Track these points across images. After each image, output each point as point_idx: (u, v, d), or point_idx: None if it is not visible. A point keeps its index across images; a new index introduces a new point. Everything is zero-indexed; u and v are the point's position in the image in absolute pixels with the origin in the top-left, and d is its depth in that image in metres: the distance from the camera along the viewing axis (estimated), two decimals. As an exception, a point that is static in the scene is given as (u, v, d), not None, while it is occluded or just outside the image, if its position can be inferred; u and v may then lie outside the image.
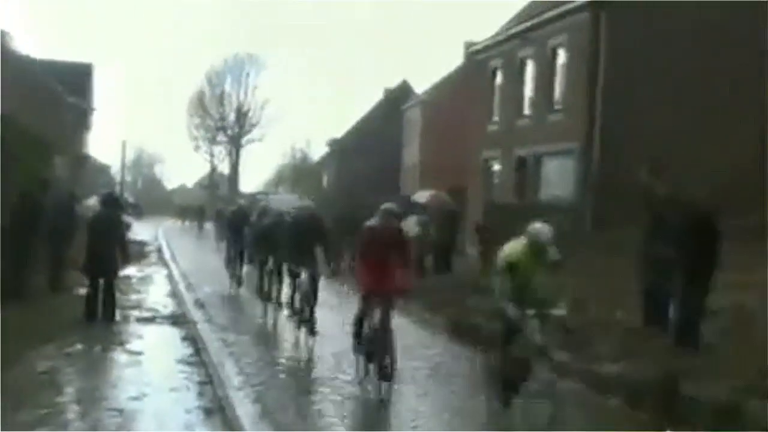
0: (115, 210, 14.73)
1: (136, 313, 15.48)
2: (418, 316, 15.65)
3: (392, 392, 9.40)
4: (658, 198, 9.43)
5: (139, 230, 41.34)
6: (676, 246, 10.49)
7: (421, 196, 33.16)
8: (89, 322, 13.59)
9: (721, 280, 10.60)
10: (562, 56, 27.28)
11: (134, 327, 14.07)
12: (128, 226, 40.25)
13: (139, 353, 11.81)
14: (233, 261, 20.60)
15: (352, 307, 10.85)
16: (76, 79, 48.97)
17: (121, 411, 8.63)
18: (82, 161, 49.04)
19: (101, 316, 13.80)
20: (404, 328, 12.30)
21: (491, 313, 13.50)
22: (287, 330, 14.26)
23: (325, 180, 71.36)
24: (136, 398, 9.20)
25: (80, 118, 50.58)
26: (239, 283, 20.04)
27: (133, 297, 17.74)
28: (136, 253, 29.09)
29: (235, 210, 22.02)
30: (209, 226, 46.19)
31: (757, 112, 22.97)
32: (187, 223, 57.83)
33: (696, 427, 7.71)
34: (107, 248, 13.86)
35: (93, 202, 25.78)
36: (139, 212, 68.78)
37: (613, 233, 18.80)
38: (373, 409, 9.30)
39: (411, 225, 20.74)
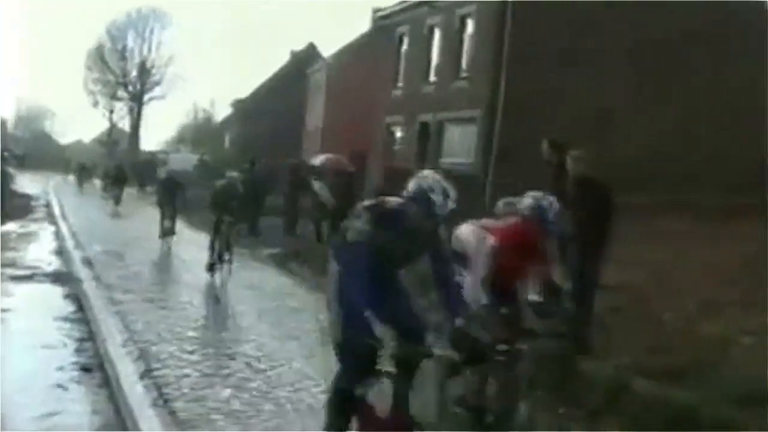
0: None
1: (9, 270, 14.50)
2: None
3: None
4: (566, 174, 9.07)
5: (27, 184, 39.88)
6: (573, 219, 10.19)
7: (318, 159, 32.56)
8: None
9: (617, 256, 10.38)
10: (470, 26, 26.98)
11: (4, 285, 13.06)
12: (11, 177, 38.88)
13: (5, 310, 10.99)
14: None
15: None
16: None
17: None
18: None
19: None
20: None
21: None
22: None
23: (227, 141, 70.07)
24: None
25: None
26: None
27: (9, 254, 16.68)
28: (20, 207, 27.94)
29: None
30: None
31: (673, 84, 23.04)
32: (107, 192, 39.66)
33: (586, 406, 7.39)
34: None
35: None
36: (22, 163, 67.04)
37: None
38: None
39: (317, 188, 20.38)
